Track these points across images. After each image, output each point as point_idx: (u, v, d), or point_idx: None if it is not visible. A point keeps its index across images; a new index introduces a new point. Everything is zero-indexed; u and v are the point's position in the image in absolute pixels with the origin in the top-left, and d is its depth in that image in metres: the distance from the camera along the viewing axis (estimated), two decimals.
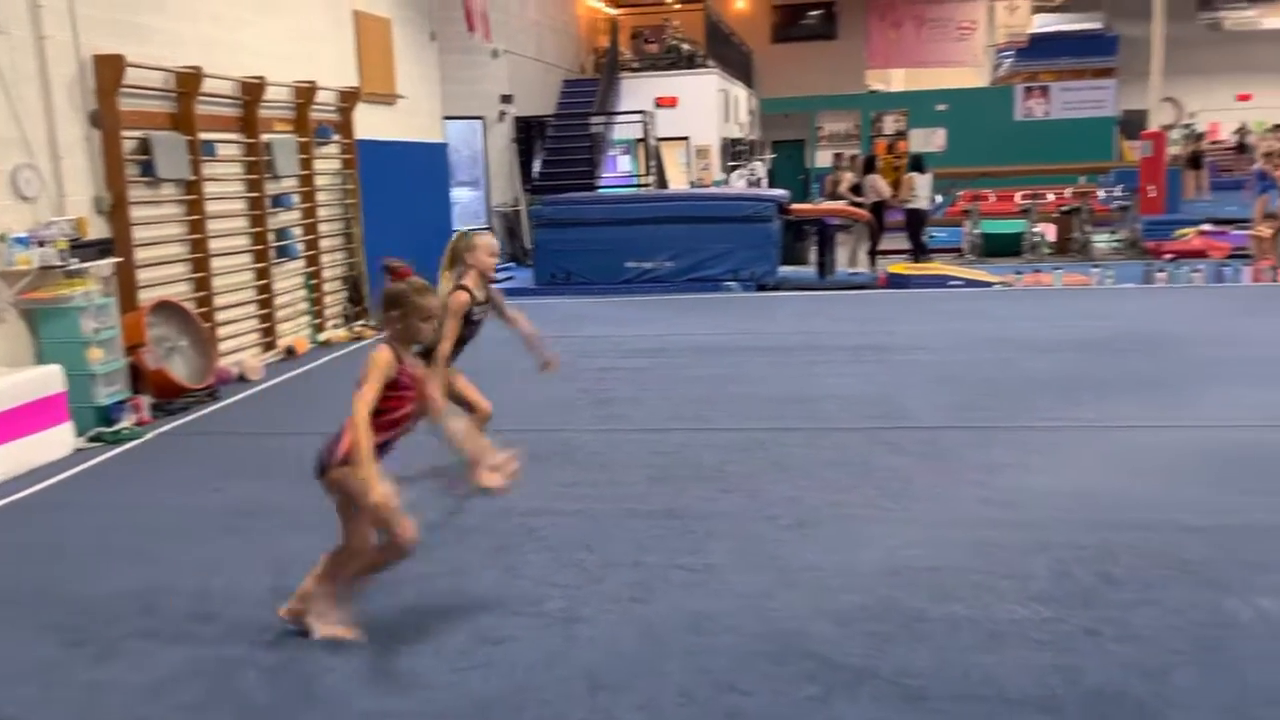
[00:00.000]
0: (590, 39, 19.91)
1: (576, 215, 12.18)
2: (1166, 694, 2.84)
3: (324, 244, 9.60)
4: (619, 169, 16.94)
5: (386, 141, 10.74)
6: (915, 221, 14.19)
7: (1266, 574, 3.57)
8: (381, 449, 3.21)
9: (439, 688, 3.06)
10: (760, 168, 18.82)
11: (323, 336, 9.32)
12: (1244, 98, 28.06)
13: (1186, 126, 26.00)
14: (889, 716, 2.79)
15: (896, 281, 11.83)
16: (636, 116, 15.91)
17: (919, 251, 14.07)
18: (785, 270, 12.63)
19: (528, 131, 15.42)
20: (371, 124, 10.40)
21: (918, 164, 14.62)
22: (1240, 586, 3.48)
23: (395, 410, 3.24)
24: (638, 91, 16.85)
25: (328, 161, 9.76)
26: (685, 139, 17.30)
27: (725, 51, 19.91)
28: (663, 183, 15.97)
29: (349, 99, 9.88)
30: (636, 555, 3.99)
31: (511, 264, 14.21)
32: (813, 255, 13.14)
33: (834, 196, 14.46)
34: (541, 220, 12.42)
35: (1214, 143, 26.13)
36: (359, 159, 10.06)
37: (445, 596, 3.69)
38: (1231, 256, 12.39)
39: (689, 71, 17.63)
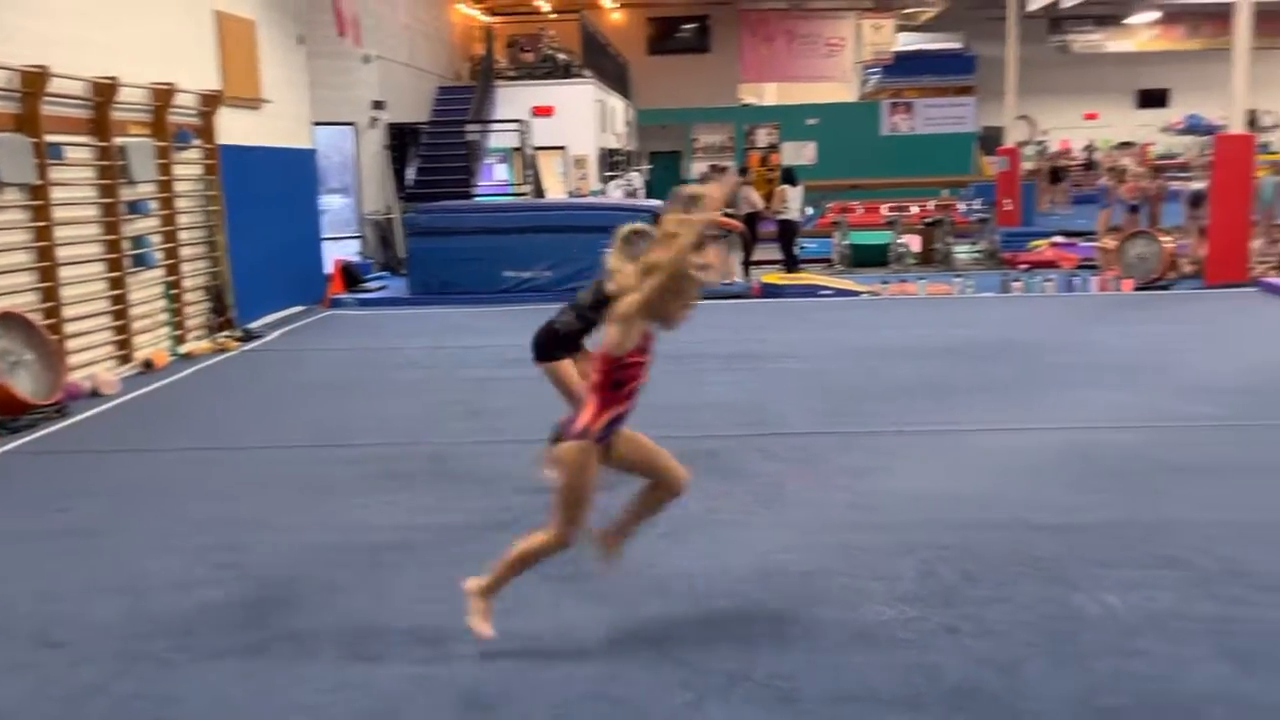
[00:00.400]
0: (465, 46, 19.74)
1: (452, 224, 12.02)
2: (1018, 687, 2.97)
3: (185, 252, 9.21)
4: (495, 178, 16.82)
5: (251, 147, 10.39)
6: (787, 233, 14.51)
7: (1112, 570, 3.77)
8: (617, 421, 3.20)
9: (308, 710, 2.96)
10: (637, 178, 18.98)
11: (184, 349, 8.94)
12: (1091, 116, 29.74)
13: (1040, 143, 27.37)
14: (761, 718, 2.83)
15: (769, 291, 12.07)
16: (513, 125, 15.83)
17: (791, 262, 14.39)
18: None
19: (401, 138, 15.16)
20: (236, 129, 10.05)
21: (790, 176, 14.97)
22: (1088, 583, 3.66)
23: (633, 381, 3.20)
24: (514, 100, 16.78)
25: (189, 167, 9.37)
26: (562, 148, 17.30)
27: (602, 62, 20.01)
28: (540, 192, 15.92)
29: (211, 102, 9.52)
30: None
31: (385, 273, 13.94)
32: None
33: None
34: (416, 229, 12.22)
35: (1065, 158, 27.57)
36: (222, 164, 9.70)
37: (314, 615, 3.58)
38: (1080, 267, 13.08)
39: (565, 81, 17.64)
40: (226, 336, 9.41)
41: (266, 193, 10.64)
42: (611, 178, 18.36)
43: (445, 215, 12.21)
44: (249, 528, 4.49)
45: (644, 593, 3.68)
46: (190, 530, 4.48)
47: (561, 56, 18.13)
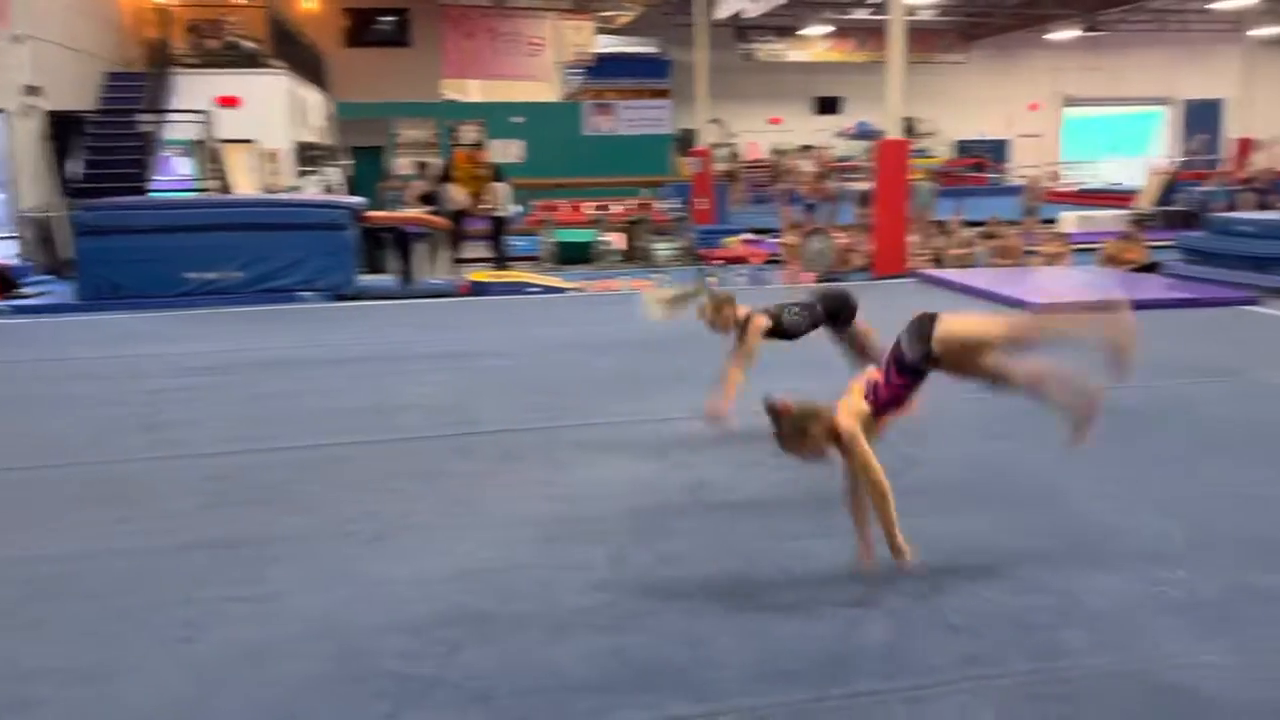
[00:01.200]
0: (138, 29, 18.09)
1: (126, 222, 11.00)
2: (704, 657, 3.12)
3: None
4: (177, 172, 15.58)
5: None
6: (497, 229, 14.51)
7: (792, 540, 4.04)
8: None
9: None
10: (336, 174, 18.24)
11: None
12: (775, 121, 31.86)
13: (729, 145, 29.03)
14: None
15: (478, 289, 12.00)
16: (194, 116, 14.71)
17: (501, 259, 14.39)
18: (365, 279, 12.34)
19: (63, 128, 13.69)
20: None
21: (498, 174, 14.98)
22: (771, 553, 3.91)
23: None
24: (195, 89, 15.57)
25: None
26: (253, 142, 16.30)
27: (293, 52, 19.03)
28: (227, 188, 14.92)
29: None
30: (189, 591, 3.66)
31: (48, 277, 12.53)
32: (393, 264, 12.96)
33: (417, 203, 14.39)
34: (84, 228, 11.06)
35: (754, 161, 29.41)
36: None
37: None
38: (768, 262, 14.01)
39: (254, 71, 16.60)
40: None
41: None
42: (309, 173, 17.53)
43: (117, 213, 11.15)
44: None
45: (342, 604, 3.54)
46: None
47: (248, 45, 17.07)
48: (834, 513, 3.91)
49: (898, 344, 3.73)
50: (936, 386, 3.87)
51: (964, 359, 3.70)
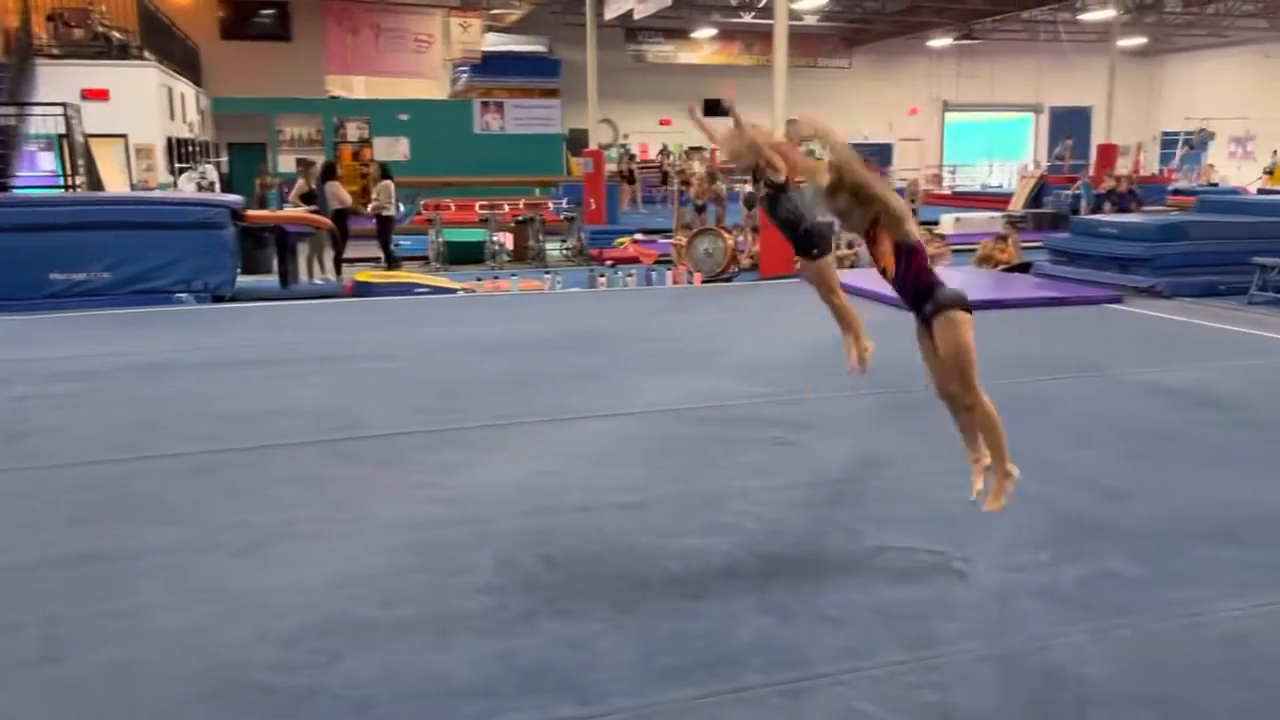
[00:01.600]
0: None
1: None
2: (588, 659, 3.13)
3: None
4: (39, 167, 14.83)
5: None
6: (385, 229, 14.24)
7: (674, 539, 4.09)
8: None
9: None
10: (212, 171, 17.64)
11: None
12: (665, 122, 32.10)
13: (622, 146, 29.11)
14: None
15: (362, 290, 11.76)
16: (57, 109, 14.02)
17: (390, 259, 14.12)
18: (244, 280, 11.97)
19: None
20: None
21: (385, 172, 14.71)
22: (653, 553, 3.94)
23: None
24: (59, 81, 14.83)
25: None
26: (123, 137, 15.64)
27: (166, 44, 18.36)
28: (96, 184, 14.27)
29: None
30: (50, 609, 3.50)
31: None
32: (275, 264, 12.60)
33: (299, 202, 14.02)
34: None
35: (645, 162, 29.56)
36: None
37: None
38: (658, 262, 14.10)
39: (123, 63, 15.93)
40: None
41: None
42: (184, 170, 16.91)
43: None
44: None
45: (212, 618, 3.43)
46: None
47: (116, 35, 16.37)
48: (718, 511, 3.96)
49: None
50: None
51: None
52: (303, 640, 3.26)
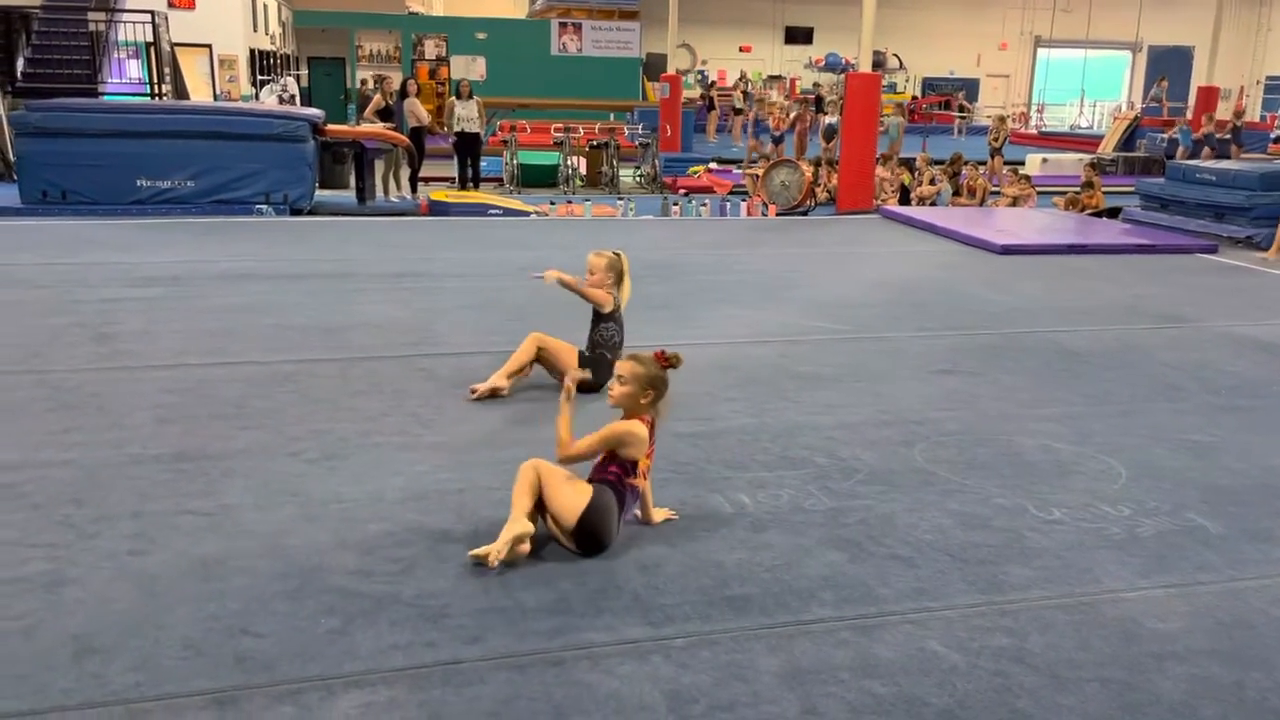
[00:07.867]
0: None
1: (74, 125, 10.66)
2: (657, 583, 3.16)
3: None
4: (129, 75, 15.06)
5: None
6: (469, 147, 14.20)
7: (743, 472, 4.09)
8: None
9: None
10: (293, 83, 17.75)
11: None
12: (746, 49, 31.44)
13: (700, 73, 28.61)
14: (407, 638, 2.81)
15: (437, 209, 11.83)
16: (145, 16, 14.18)
17: (475, 179, 14.06)
18: (322, 194, 12.11)
19: (6, 24, 13.14)
20: None
21: (468, 90, 14.61)
22: (722, 484, 3.95)
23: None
24: None
25: None
26: (208, 47, 15.79)
27: None
28: (182, 93, 14.47)
29: None
30: (138, 505, 3.62)
31: None
32: (352, 179, 12.71)
33: (375, 118, 14.05)
34: (28, 128, 10.71)
35: (723, 89, 29.06)
36: None
37: None
38: (732, 193, 13.92)
39: None
40: None
41: None
42: (265, 82, 17.04)
43: (66, 114, 10.79)
44: None
45: (292, 521, 3.52)
46: None
47: None
48: (789, 445, 3.89)
49: None
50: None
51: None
52: (380, 548, 3.33)
